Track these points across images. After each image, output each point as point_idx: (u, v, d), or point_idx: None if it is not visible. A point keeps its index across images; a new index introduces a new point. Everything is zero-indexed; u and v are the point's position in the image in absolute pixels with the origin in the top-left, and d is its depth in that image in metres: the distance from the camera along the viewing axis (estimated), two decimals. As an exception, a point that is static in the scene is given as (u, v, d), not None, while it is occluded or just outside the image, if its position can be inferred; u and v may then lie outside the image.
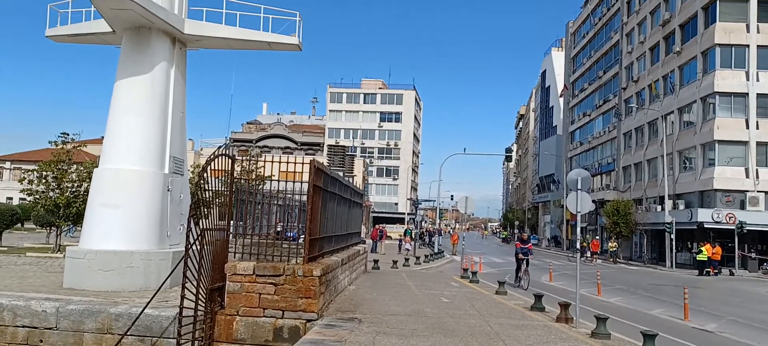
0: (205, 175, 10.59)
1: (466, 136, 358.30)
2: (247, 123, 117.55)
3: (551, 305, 14.50)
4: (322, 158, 36.33)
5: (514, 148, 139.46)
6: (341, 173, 18.09)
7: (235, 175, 11.56)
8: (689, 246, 41.84)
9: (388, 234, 53.73)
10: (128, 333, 10.56)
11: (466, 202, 33.22)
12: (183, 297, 9.89)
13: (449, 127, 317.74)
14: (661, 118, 46.82)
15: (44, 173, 23.41)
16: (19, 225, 36.57)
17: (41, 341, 11.00)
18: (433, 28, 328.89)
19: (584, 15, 73.77)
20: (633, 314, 17.14)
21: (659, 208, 45.83)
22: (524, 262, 21.99)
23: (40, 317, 11.06)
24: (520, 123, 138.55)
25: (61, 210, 23.19)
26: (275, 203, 13.92)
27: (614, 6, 61.89)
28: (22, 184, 24.35)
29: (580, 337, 10.88)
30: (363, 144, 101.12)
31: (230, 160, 11.33)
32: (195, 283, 10.01)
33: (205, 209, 10.43)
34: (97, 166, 15.72)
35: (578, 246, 15.55)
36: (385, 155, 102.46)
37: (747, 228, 37.80)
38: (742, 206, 39.90)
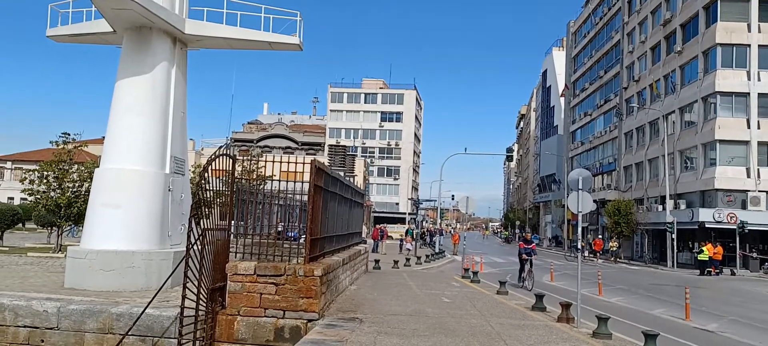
0: (206, 175, 10.59)
1: (467, 136, 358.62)
2: (248, 123, 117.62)
3: (552, 305, 14.49)
4: (323, 158, 36.34)
5: (515, 148, 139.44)
6: (342, 173, 18.07)
7: (236, 175, 11.56)
8: (690, 246, 41.81)
9: (389, 234, 53.78)
10: (129, 333, 10.57)
11: (467, 202, 33.21)
12: (184, 297, 9.89)
13: (450, 127, 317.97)
14: (662, 117, 46.79)
15: (45, 173, 23.44)
16: (20, 225, 36.62)
17: (42, 341, 11.00)
18: (434, 28, 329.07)
19: (585, 14, 73.74)
20: (634, 314, 17.13)
21: (660, 208, 45.81)
22: (528, 262, 21.87)
23: (41, 317, 11.07)
24: (521, 123, 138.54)
25: (62, 210, 23.21)
26: (276, 202, 13.92)
27: (615, 5, 61.86)
28: (23, 184, 24.38)
29: (582, 337, 10.87)
30: (364, 144, 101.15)
31: (231, 160, 11.33)
32: (196, 283, 10.00)
33: (206, 209, 10.43)
34: (98, 166, 15.73)
35: (579, 246, 15.52)
36: (386, 155, 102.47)
37: (748, 228, 37.76)
38: (744, 206, 39.87)
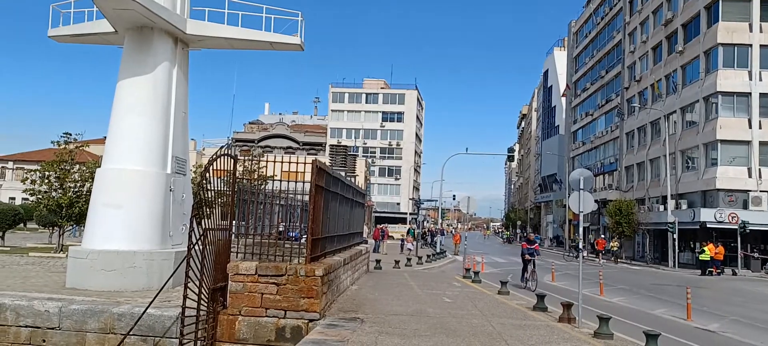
0: (207, 175, 10.59)
1: (468, 136, 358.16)
2: (249, 123, 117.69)
3: (554, 305, 14.48)
4: (324, 158, 36.35)
5: (517, 148, 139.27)
6: (343, 173, 18.05)
7: (237, 175, 11.56)
8: (692, 246, 41.78)
9: (390, 234, 53.73)
10: (131, 333, 10.58)
11: (468, 202, 33.23)
12: (185, 297, 9.90)
13: (451, 127, 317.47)
14: (664, 117, 46.76)
15: (47, 173, 23.47)
16: (21, 225, 36.65)
17: (44, 340, 11.01)
18: (435, 28, 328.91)
19: (586, 14, 73.71)
20: (635, 314, 17.12)
21: (662, 208, 45.78)
22: (531, 263, 21.78)
23: (43, 316, 11.08)
24: (523, 123, 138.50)
25: (64, 210, 23.22)
26: (277, 202, 13.92)
27: (617, 5, 61.82)
28: (24, 184, 24.43)
29: (583, 337, 10.87)
30: (365, 144, 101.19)
31: (232, 160, 11.34)
32: (197, 283, 10.01)
33: (208, 209, 10.43)
34: (99, 167, 15.74)
35: (580, 246, 15.53)
36: (387, 155, 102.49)
37: (750, 228, 37.71)
38: (745, 206, 39.82)
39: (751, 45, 41.11)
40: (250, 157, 38.08)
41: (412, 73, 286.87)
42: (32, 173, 24.53)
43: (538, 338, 10.41)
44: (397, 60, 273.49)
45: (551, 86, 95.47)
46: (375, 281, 18.58)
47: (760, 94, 40.51)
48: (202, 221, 10.29)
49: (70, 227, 29.20)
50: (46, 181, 23.42)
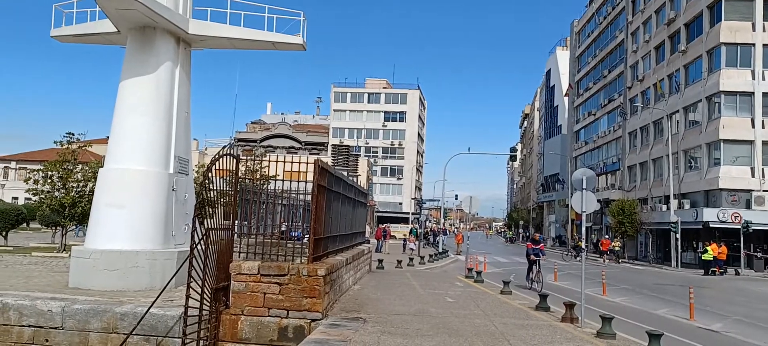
0: (209, 174, 10.61)
1: (470, 136, 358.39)
2: (252, 123, 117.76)
3: (556, 304, 14.47)
4: (327, 158, 36.35)
5: (519, 147, 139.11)
6: (345, 173, 18.07)
7: (239, 175, 11.57)
8: (694, 246, 41.67)
9: (393, 234, 53.74)
10: (133, 333, 10.60)
11: (470, 201, 33.16)
12: (188, 297, 9.91)
13: (453, 126, 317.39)
14: (667, 117, 46.67)
15: (50, 173, 23.51)
16: (24, 225, 36.72)
17: (47, 340, 11.03)
18: (437, 28, 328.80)
19: (589, 14, 73.60)
20: (638, 314, 17.09)
21: (664, 207, 45.68)
22: (536, 263, 21.56)
23: (45, 316, 11.10)
24: (525, 122, 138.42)
25: (67, 210, 23.27)
26: (280, 202, 13.93)
27: (619, 5, 61.73)
28: (27, 184, 24.45)
29: (586, 337, 10.85)
30: (367, 143, 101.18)
31: (235, 160, 11.34)
32: (200, 282, 10.02)
33: (210, 209, 10.44)
34: (102, 166, 15.77)
35: (583, 245, 15.49)
36: (389, 155, 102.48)
37: (753, 227, 37.61)
38: (748, 206, 39.71)
39: (754, 44, 41.00)
40: (253, 157, 38.11)
41: (414, 73, 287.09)
42: (35, 172, 24.58)
43: (541, 338, 10.39)
44: (399, 60, 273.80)
45: (554, 86, 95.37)
46: (377, 281, 18.57)
47: (763, 93, 40.40)
48: (205, 220, 10.30)
49: (73, 227, 29.26)
50: (49, 181, 23.46)
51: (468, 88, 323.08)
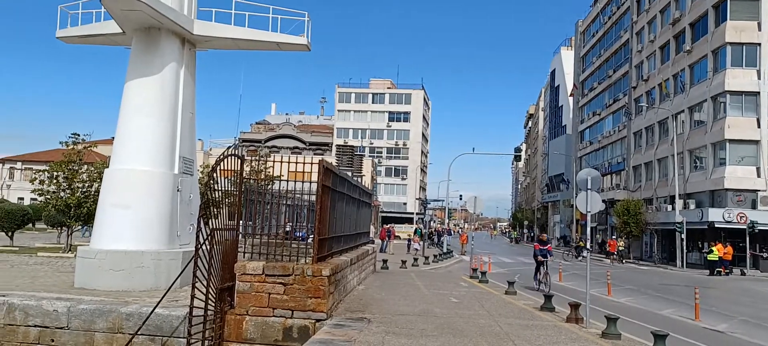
0: (214, 175, 10.63)
1: (474, 136, 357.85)
2: (256, 123, 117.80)
3: (561, 305, 14.44)
4: (331, 158, 36.38)
5: (524, 147, 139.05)
6: (350, 173, 18.10)
7: (244, 175, 11.59)
8: (700, 246, 41.56)
9: (397, 234, 53.75)
10: (139, 333, 10.62)
11: (475, 202, 33.12)
12: (193, 297, 9.93)
13: (458, 126, 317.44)
14: (672, 117, 46.53)
15: (55, 174, 23.59)
16: (30, 225, 36.86)
17: (52, 340, 11.07)
18: (442, 28, 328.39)
19: (594, 13, 73.44)
20: (643, 315, 17.04)
21: (670, 207, 45.56)
22: (544, 264, 21.32)
23: (51, 316, 11.14)
24: (530, 122, 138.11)
25: (72, 210, 23.35)
26: (284, 203, 13.94)
27: (624, 5, 61.57)
28: (33, 184, 24.54)
29: (591, 337, 10.83)
30: (371, 144, 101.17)
31: (239, 161, 11.36)
32: (205, 283, 10.04)
33: (215, 209, 10.47)
34: (107, 167, 15.82)
35: (588, 246, 15.45)
36: (393, 155, 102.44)
37: (758, 228, 37.49)
38: (754, 206, 39.59)
39: (759, 44, 40.83)
40: (257, 158, 38.16)
41: (418, 73, 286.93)
42: (40, 173, 24.68)
43: (546, 339, 10.38)
44: (403, 60, 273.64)
45: (558, 86, 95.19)
46: (382, 281, 18.58)
47: (768, 93, 40.26)
48: (210, 221, 10.33)
49: (79, 227, 29.36)
50: (55, 181, 23.54)
51: (470, 89, 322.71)
